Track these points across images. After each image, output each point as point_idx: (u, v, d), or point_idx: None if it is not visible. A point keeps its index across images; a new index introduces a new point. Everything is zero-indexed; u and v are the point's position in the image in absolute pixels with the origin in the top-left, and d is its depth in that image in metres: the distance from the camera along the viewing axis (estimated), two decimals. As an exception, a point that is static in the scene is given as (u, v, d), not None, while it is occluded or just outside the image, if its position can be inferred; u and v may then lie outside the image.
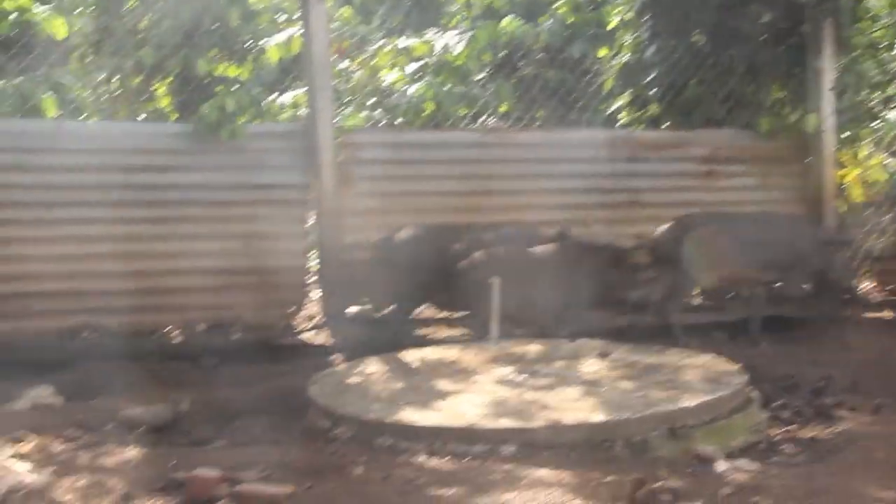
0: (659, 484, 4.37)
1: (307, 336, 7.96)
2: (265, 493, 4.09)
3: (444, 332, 8.16)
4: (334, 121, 8.35)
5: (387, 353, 6.86)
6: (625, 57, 10.05)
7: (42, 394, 6.10)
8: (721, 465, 4.92)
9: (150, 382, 6.49)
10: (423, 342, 7.66)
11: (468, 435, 5.06)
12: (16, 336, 7.23)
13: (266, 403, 6.22)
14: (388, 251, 7.98)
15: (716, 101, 9.56)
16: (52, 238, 7.43)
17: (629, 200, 9.18)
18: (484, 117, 10.29)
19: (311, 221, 8.36)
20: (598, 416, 5.18)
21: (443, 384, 5.93)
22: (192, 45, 8.37)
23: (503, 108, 10.49)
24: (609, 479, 4.57)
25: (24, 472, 4.43)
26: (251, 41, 8.90)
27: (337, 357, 7.35)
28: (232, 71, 8.84)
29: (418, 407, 5.45)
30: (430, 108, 9.81)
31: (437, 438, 5.07)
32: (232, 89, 8.07)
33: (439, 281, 7.70)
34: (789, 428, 5.89)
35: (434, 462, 4.88)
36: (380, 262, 8.00)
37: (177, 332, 7.80)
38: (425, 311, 8.58)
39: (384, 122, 9.81)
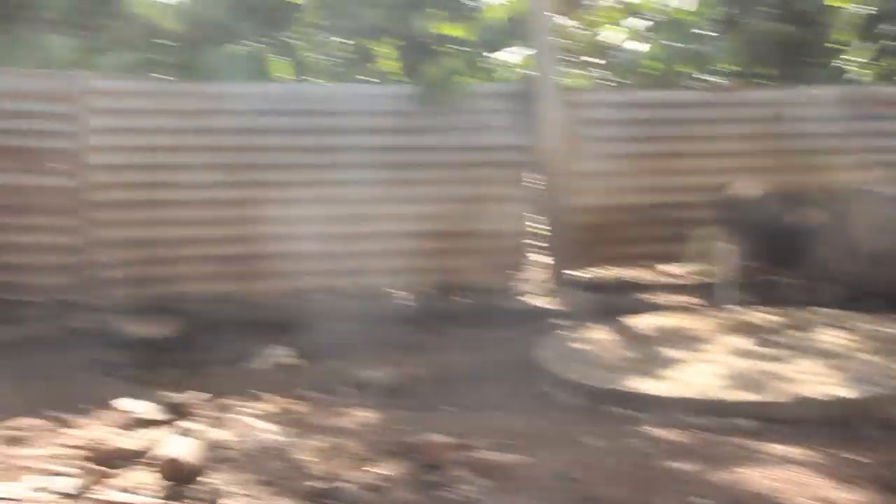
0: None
1: (532, 300, 7.91)
2: (499, 461, 4.08)
3: (673, 298, 7.96)
4: (557, 80, 8.23)
5: (613, 320, 6.77)
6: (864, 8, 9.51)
7: (280, 354, 6.28)
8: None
9: (381, 345, 6.57)
10: (650, 308, 7.50)
11: (702, 406, 4.93)
12: (255, 296, 7.49)
13: (492, 368, 6.22)
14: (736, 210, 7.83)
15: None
16: (288, 200, 7.60)
17: (874, 161, 8.71)
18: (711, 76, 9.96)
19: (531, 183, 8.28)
20: (846, 391, 4.95)
21: (672, 352, 5.80)
22: (416, 5, 8.40)
23: (731, 66, 10.15)
24: (858, 458, 4.37)
25: (269, 431, 4.56)
26: (474, 0, 8.89)
27: (562, 322, 7.27)
28: (455, 31, 8.85)
29: (647, 375, 5.35)
30: (656, 66, 9.58)
31: (669, 409, 4.97)
32: (454, 49, 8.06)
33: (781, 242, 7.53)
34: None
35: (666, 433, 4.76)
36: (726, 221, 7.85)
37: (405, 295, 7.88)
38: (649, 275, 8.44)
39: (608, 81, 9.64)
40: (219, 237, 7.45)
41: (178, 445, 4.02)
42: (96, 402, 5.20)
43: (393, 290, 7.94)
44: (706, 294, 7.68)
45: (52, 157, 7.08)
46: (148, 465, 4.06)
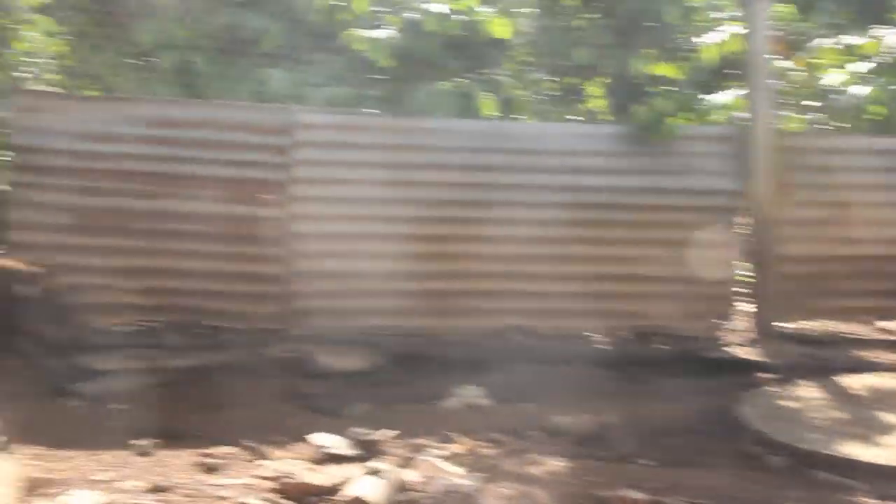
0: None
1: (735, 350, 7.60)
2: (692, 523, 3.88)
3: (890, 357, 7.51)
4: (772, 123, 7.93)
5: (823, 377, 6.44)
6: None
7: (471, 394, 6.20)
8: None
9: (575, 389, 6.41)
10: (865, 366, 7.09)
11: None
12: (450, 333, 7.45)
13: (693, 421, 5.97)
14: None
15: None
16: (490, 237, 7.55)
17: None
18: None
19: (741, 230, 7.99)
20: None
21: (889, 417, 5.45)
22: (628, 44, 8.27)
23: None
24: None
25: (457, 475, 4.49)
26: (687, 40, 8.67)
27: (767, 376, 6.95)
28: (666, 71, 8.65)
29: (861, 440, 5.04)
30: (879, 110, 9.11)
31: (885, 478, 4.64)
32: (665, 90, 7.87)
33: None
34: None
35: (879, 505, 4.46)
36: None
37: (602, 338, 7.71)
38: (863, 330, 8.03)
39: (826, 126, 9.23)
40: (419, 272, 7.44)
41: (364, 486, 3.99)
42: (290, 434, 5.26)
43: (591, 334, 7.76)
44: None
45: (264, 188, 7.24)
46: (335, 502, 4.04)
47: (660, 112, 7.66)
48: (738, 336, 7.87)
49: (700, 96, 8.88)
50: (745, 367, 7.17)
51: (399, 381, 6.53)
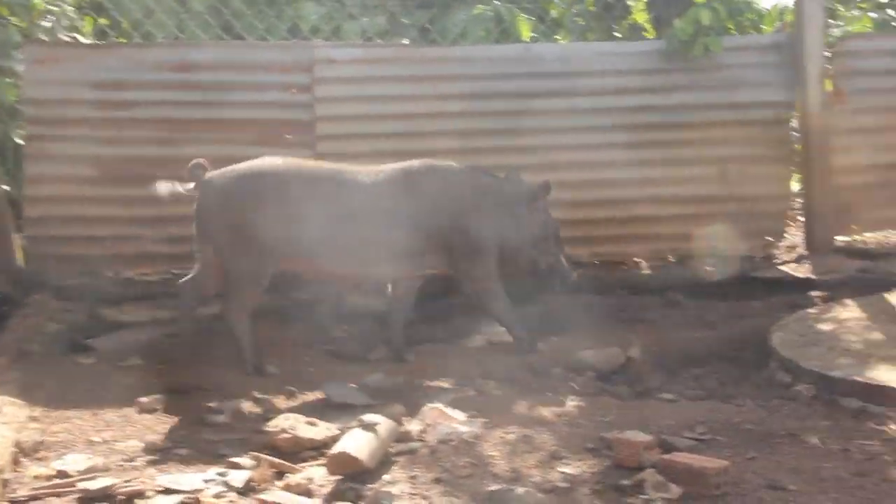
0: None
1: (788, 268, 7.33)
2: (693, 465, 3.74)
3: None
4: (830, 28, 7.55)
5: (873, 293, 6.19)
6: None
7: (498, 330, 6.05)
8: None
9: (609, 319, 6.27)
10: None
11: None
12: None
13: (728, 348, 5.83)
14: None
15: None
16: (527, 166, 7.26)
17: None
18: None
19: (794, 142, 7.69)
20: None
21: (929, 339, 5.21)
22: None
23: None
24: None
25: (458, 422, 4.41)
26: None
27: (816, 294, 6.71)
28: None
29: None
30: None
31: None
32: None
33: None
34: None
35: (908, 433, 4.28)
36: None
37: (646, 264, 7.50)
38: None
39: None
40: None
41: (354, 439, 3.92)
42: (305, 384, 5.24)
43: (635, 259, 7.55)
44: None
45: (288, 129, 7.13)
46: (325, 457, 3.99)
47: (702, 24, 7.32)
48: (793, 254, 7.59)
49: (747, 2, 8.53)
50: (793, 286, 6.93)
51: (431, 319, 6.39)
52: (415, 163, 5.93)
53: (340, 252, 5.65)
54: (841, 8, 9.55)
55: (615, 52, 7.67)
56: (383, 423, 4.12)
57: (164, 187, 5.67)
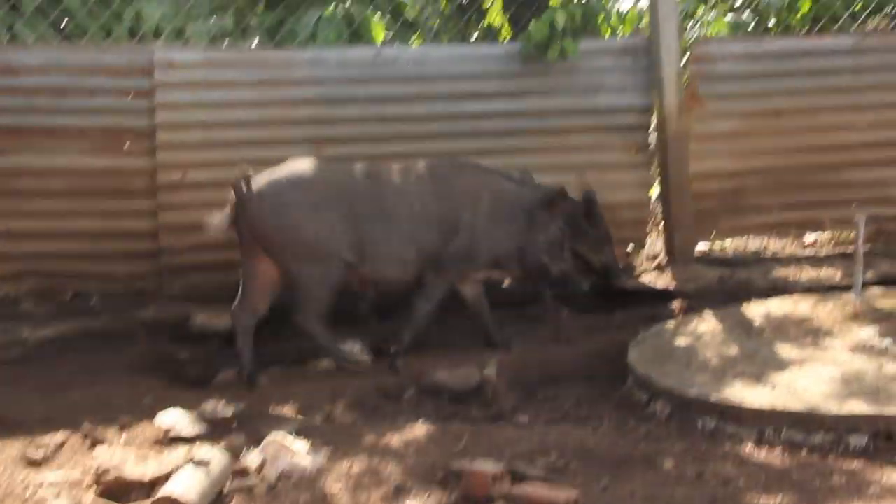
0: None
1: (649, 278, 7.32)
2: (543, 497, 3.64)
3: (808, 274, 7.25)
4: (688, 32, 7.55)
5: (733, 303, 6.21)
6: None
7: (353, 349, 5.88)
8: None
9: (466, 336, 6.15)
10: (782, 287, 6.84)
11: (806, 421, 4.39)
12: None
13: (586, 365, 5.76)
14: None
15: None
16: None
17: None
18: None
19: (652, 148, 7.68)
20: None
21: (786, 350, 5.24)
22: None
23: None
24: None
25: (300, 454, 4.21)
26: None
27: (676, 305, 6.72)
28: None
29: (751, 380, 4.83)
30: (805, 7, 8.80)
31: (769, 423, 4.44)
32: (564, 2, 7.46)
33: None
34: None
35: (762, 455, 4.27)
36: None
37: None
38: (784, 245, 7.81)
39: (750, 27, 8.92)
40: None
41: (182, 480, 3.71)
42: (140, 413, 4.98)
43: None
44: (847, 267, 6.96)
45: (126, 137, 6.83)
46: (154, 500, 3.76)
47: (557, 27, 7.24)
48: (651, 263, 7.59)
49: (604, 5, 8.51)
50: (654, 297, 6.91)
51: (281, 340, 6.18)
52: (453, 161, 6.33)
53: (383, 255, 5.84)
54: (698, 11, 9.61)
55: (470, 55, 7.55)
56: (217, 458, 3.92)
57: (215, 220, 5.77)
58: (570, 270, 6.21)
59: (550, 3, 7.51)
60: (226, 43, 7.73)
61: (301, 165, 5.93)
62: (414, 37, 8.33)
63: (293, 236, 5.66)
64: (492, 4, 8.54)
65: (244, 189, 5.66)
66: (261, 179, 5.78)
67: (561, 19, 7.22)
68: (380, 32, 7.82)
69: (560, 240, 6.14)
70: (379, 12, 8.10)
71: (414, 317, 6.00)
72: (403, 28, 8.24)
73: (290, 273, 5.74)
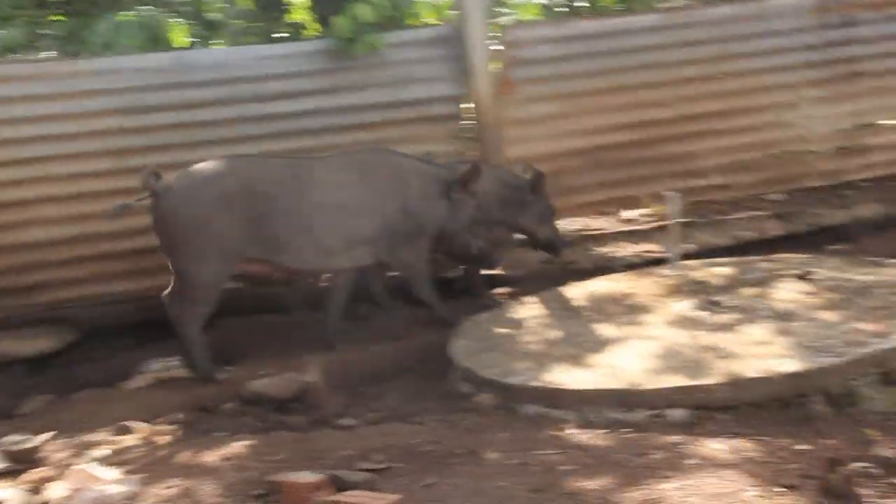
0: (859, 465, 3.60)
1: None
2: (368, 504, 3.55)
3: (630, 250, 7.36)
4: (501, 17, 7.57)
5: (548, 289, 6.25)
6: None
7: (169, 366, 5.73)
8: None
9: (288, 341, 6.04)
10: (603, 266, 6.93)
11: (626, 399, 4.42)
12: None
13: (412, 360, 5.71)
14: None
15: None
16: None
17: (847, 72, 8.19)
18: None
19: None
20: (789, 364, 4.40)
21: (606, 328, 5.29)
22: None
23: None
24: (801, 447, 3.85)
25: (109, 482, 4.03)
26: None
27: (503, 291, 6.74)
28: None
29: (572, 362, 4.84)
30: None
31: (590, 405, 4.45)
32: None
33: None
34: None
35: (584, 437, 4.26)
36: None
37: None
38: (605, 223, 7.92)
39: (559, 10, 9.03)
40: (115, 232, 6.81)
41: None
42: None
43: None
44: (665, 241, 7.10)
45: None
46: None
47: (361, 21, 7.17)
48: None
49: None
50: (479, 284, 6.92)
51: (92, 360, 5.98)
52: (367, 150, 6.45)
53: (306, 246, 5.81)
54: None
55: (277, 54, 7.45)
56: (14, 496, 3.72)
57: (116, 206, 5.67)
58: (487, 247, 6.48)
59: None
60: (17, 55, 7.43)
61: (216, 164, 5.86)
62: (218, 39, 8.15)
63: (195, 233, 5.58)
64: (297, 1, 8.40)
65: (156, 185, 5.59)
66: (175, 176, 5.74)
67: (365, 13, 7.16)
68: (180, 36, 7.64)
69: (476, 217, 6.35)
70: (180, 17, 7.89)
71: (428, 301, 6.28)
72: (207, 30, 8.06)
73: (184, 271, 5.67)
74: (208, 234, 5.57)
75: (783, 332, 4.80)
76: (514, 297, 6.61)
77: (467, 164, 6.43)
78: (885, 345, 4.49)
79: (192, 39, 7.73)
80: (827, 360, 4.39)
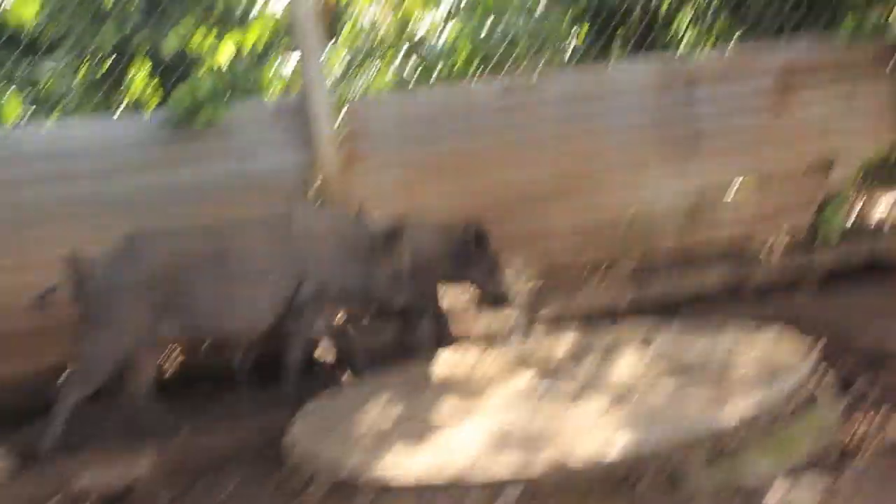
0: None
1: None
2: None
3: (481, 322, 7.33)
4: (327, 90, 7.51)
5: (394, 366, 6.18)
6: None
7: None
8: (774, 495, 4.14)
9: (124, 432, 5.85)
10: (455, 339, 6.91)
11: (457, 488, 4.32)
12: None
13: (248, 449, 5.55)
14: None
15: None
16: (25, 266, 6.74)
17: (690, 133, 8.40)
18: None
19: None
20: (616, 448, 4.36)
21: (447, 407, 5.25)
22: (161, 17, 7.63)
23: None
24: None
25: None
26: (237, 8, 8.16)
27: (342, 371, 6.63)
28: (221, 45, 8.09)
29: (409, 446, 4.75)
30: (464, 53, 9.02)
31: (422, 496, 4.35)
32: (210, 67, 7.32)
33: None
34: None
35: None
36: None
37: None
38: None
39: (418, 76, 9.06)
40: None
41: None
42: None
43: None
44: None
45: None
46: None
47: (202, 93, 7.06)
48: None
49: (258, 68, 8.45)
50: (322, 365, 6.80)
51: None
52: (294, 208, 6.56)
53: (241, 312, 6.01)
54: (363, 66, 9.69)
55: (113, 126, 7.31)
56: None
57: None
58: (411, 302, 6.53)
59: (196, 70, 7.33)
60: None
61: (129, 243, 5.94)
62: (54, 112, 7.96)
63: (107, 315, 5.66)
64: (136, 73, 8.26)
65: (78, 267, 5.68)
66: (95, 257, 5.81)
67: (203, 88, 7.06)
68: (14, 109, 7.43)
69: (400, 273, 6.39)
70: (14, 88, 7.69)
71: (290, 371, 6.23)
72: (40, 104, 7.85)
73: (80, 347, 5.73)
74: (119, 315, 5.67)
75: (620, 406, 4.81)
76: (359, 374, 6.50)
77: (395, 221, 6.52)
78: (715, 423, 4.50)
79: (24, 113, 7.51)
80: (650, 441, 4.38)
